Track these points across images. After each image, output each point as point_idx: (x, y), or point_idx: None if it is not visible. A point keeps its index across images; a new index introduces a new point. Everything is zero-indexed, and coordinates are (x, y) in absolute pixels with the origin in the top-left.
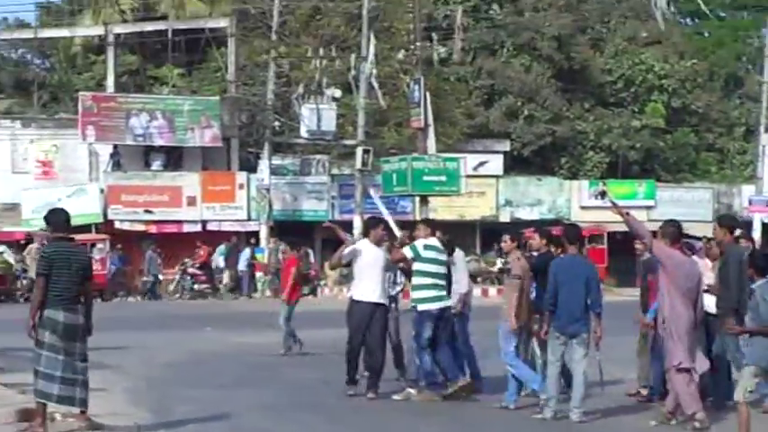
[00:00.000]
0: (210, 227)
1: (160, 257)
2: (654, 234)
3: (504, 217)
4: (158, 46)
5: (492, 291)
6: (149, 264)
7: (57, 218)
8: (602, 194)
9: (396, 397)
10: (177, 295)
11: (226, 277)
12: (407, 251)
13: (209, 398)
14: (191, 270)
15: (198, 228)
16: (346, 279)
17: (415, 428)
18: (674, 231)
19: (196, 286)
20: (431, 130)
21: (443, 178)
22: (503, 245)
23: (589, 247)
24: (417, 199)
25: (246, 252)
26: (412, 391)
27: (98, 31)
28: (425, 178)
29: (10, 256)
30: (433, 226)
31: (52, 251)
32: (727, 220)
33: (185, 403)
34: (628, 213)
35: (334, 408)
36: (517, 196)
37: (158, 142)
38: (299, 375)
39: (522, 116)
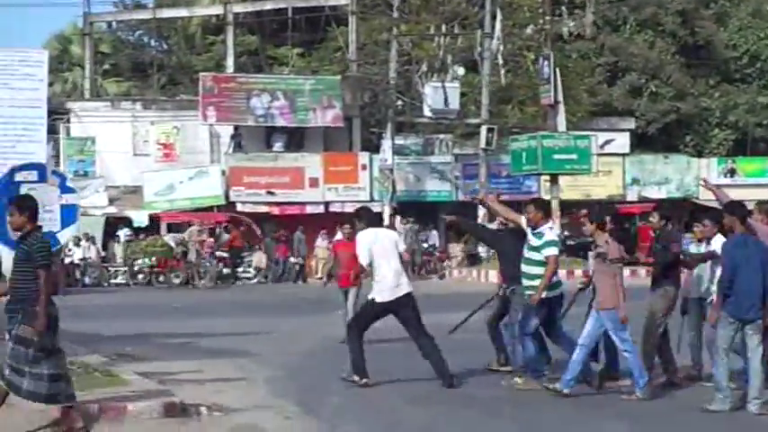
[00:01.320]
0: (333, 208)
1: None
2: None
3: (632, 196)
4: (277, 26)
5: None
6: (298, 245)
7: (35, 205)
8: (732, 172)
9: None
10: (203, 281)
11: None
12: (554, 250)
13: (356, 389)
14: (218, 254)
15: (320, 209)
16: (470, 261)
17: (593, 424)
18: None
19: (225, 270)
20: (561, 108)
21: (574, 156)
22: (584, 229)
23: (641, 224)
24: (542, 178)
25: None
26: (518, 380)
27: (217, 10)
28: (556, 157)
29: (171, 240)
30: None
31: (47, 241)
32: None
33: (331, 395)
34: (718, 188)
35: (488, 401)
36: (644, 175)
37: (280, 123)
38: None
39: (645, 93)
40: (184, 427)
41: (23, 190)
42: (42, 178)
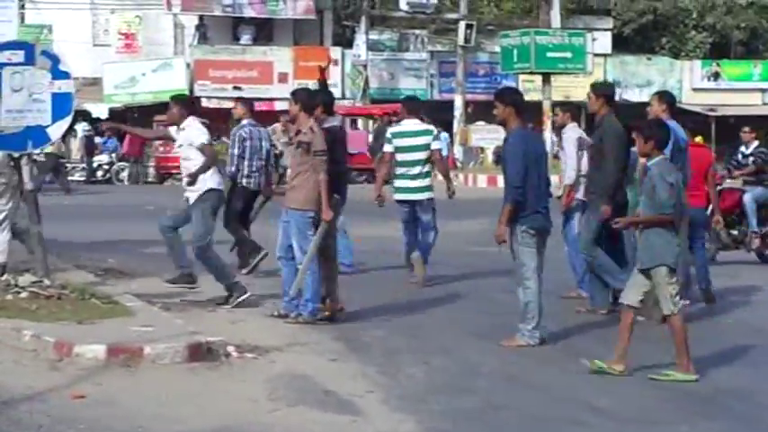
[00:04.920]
0: None
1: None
2: None
3: None
4: None
5: None
6: None
7: None
8: (717, 75)
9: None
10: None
11: None
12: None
13: (401, 315)
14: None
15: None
16: None
17: None
18: None
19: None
20: (555, 2)
21: (568, 55)
22: (555, 117)
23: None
24: (521, 78)
25: None
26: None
27: None
28: (549, 54)
29: None
30: None
31: None
32: (602, 88)
33: (369, 322)
34: None
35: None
36: (626, 76)
37: (248, 14)
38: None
39: None
40: (214, 374)
41: (6, 73)
42: (30, 60)
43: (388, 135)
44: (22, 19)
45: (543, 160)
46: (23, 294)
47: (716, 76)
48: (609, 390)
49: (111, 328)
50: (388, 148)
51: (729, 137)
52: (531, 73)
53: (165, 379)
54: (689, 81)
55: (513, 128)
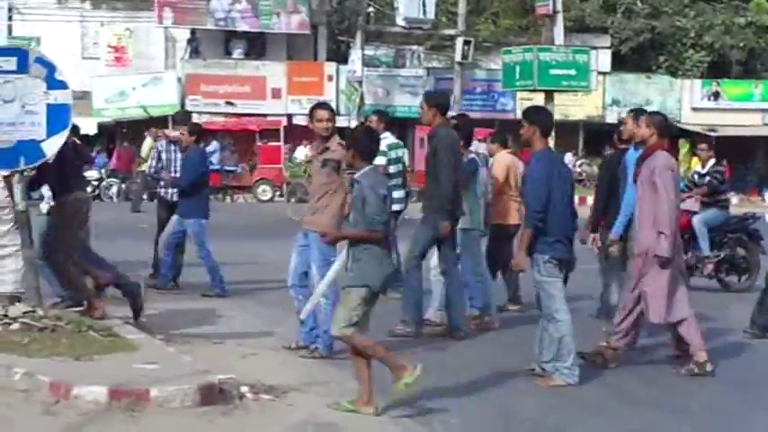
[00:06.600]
0: (296, 121)
1: None
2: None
3: (611, 117)
4: None
5: None
6: None
7: None
8: (717, 95)
9: None
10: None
11: None
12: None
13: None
14: None
15: (282, 122)
16: None
17: None
18: None
19: None
20: (559, 18)
21: (573, 72)
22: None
23: None
24: (518, 95)
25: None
26: None
27: None
28: (552, 72)
29: None
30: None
31: None
32: (435, 98)
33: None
34: None
35: None
36: (625, 95)
37: (241, 28)
38: None
39: (620, 10)
40: (229, 420)
41: None
42: (23, 67)
43: (384, 147)
44: (10, 31)
45: (569, 185)
46: (14, 326)
47: (716, 95)
48: None
49: (112, 366)
50: (381, 160)
51: (732, 156)
52: (534, 90)
53: (175, 426)
54: (688, 101)
55: (537, 148)
